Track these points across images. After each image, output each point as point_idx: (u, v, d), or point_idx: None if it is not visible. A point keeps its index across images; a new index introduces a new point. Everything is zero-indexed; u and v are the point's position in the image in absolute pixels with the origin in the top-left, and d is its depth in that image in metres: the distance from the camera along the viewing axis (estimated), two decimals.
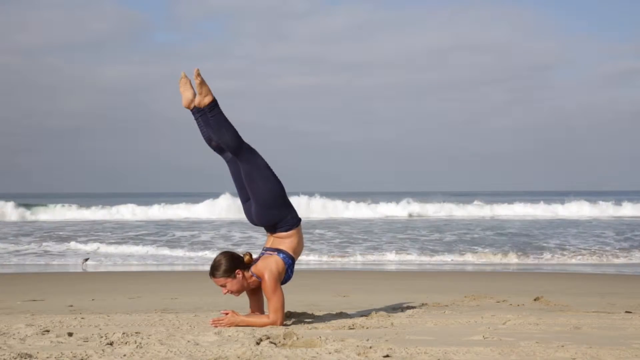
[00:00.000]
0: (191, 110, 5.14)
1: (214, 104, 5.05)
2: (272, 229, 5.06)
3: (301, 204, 32.98)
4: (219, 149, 5.12)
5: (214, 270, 4.92)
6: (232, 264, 4.89)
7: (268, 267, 4.90)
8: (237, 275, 4.90)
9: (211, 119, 5.04)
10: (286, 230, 5.01)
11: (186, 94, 5.14)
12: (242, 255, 5.00)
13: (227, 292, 4.95)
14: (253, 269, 4.96)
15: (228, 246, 15.42)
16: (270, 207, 4.97)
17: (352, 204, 35.41)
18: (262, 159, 5.05)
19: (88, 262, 13.02)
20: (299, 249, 5.09)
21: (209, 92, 5.07)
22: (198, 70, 5.01)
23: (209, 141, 5.11)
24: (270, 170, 5.06)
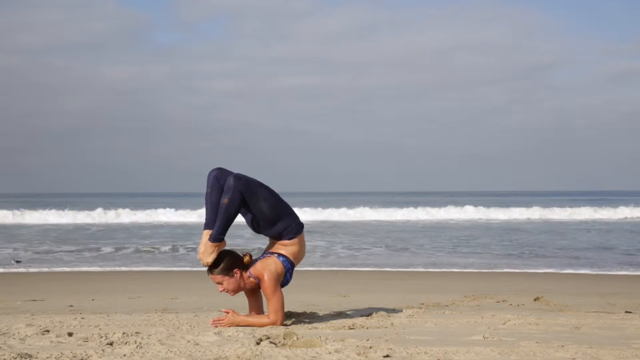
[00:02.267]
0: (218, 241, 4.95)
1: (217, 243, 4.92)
2: (277, 237, 5.07)
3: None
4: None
5: (212, 267, 4.93)
6: (230, 263, 4.91)
7: (267, 268, 4.92)
8: (235, 275, 4.92)
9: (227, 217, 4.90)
10: (290, 239, 5.02)
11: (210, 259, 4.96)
12: (241, 255, 5.01)
13: (223, 290, 4.96)
14: (252, 270, 4.97)
15: None
16: (275, 222, 4.98)
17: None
18: (254, 181, 4.94)
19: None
20: (300, 256, 5.10)
21: (208, 256, 4.93)
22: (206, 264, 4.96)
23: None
24: (264, 187, 4.98)
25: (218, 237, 4.86)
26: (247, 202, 4.88)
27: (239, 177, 4.86)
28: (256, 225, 5.02)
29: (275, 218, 4.96)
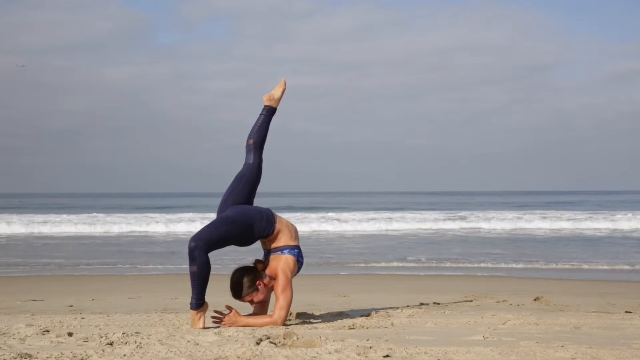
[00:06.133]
0: (264, 106, 5.48)
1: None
2: (263, 238, 5.11)
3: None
4: (248, 149, 5.33)
5: (238, 292, 4.98)
6: (250, 279, 4.98)
7: (280, 267, 4.99)
8: (259, 287, 4.99)
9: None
10: (272, 232, 5.06)
11: (277, 93, 5.49)
12: (254, 265, 5.05)
13: (256, 303, 5.07)
14: (267, 271, 5.04)
15: None
16: (252, 233, 5.01)
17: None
18: (212, 230, 4.89)
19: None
20: (294, 234, 5.15)
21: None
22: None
23: (248, 138, 5.37)
24: (223, 223, 4.94)
25: (199, 304, 4.88)
26: (219, 248, 4.95)
27: (195, 239, 4.83)
28: (241, 244, 5.09)
29: (249, 233, 5.00)
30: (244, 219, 4.98)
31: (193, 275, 4.82)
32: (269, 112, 5.44)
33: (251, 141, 5.33)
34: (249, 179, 5.20)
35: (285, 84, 5.53)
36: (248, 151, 5.32)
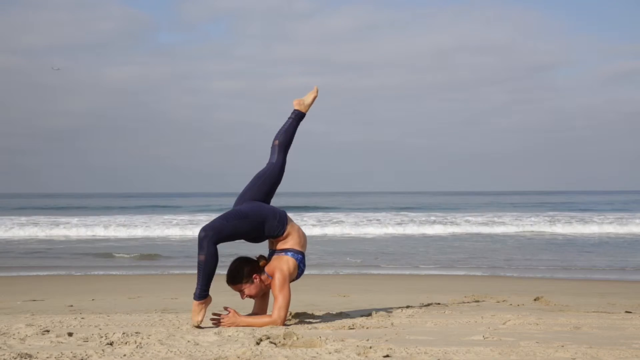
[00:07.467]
0: (294, 110, 5.55)
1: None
2: (272, 238, 5.13)
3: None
4: (273, 149, 5.40)
5: (233, 278, 4.98)
6: (248, 270, 4.98)
7: (279, 267, 5.00)
8: (255, 280, 4.99)
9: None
10: (282, 233, 5.06)
11: (308, 99, 5.59)
12: (256, 259, 5.04)
13: (246, 296, 5.05)
14: (266, 268, 5.05)
15: None
16: (262, 232, 5.02)
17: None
18: (223, 221, 4.93)
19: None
20: (302, 241, 5.17)
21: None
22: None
23: (274, 139, 5.44)
24: (235, 215, 4.98)
25: (202, 295, 4.87)
26: (228, 241, 4.95)
27: (206, 229, 4.87)
28: (251, 240, 5.10)
29: (260, 230, 5.01)
30: (257, 215, 5.01)
31: (200, 264, 4.83)
32: (298, 116, 5.52)
33: (277, 142, 5.40)
34: (270, 178, 5.26)
35: (317, 92, 5.61)
36: (273, 152, 5.40)
